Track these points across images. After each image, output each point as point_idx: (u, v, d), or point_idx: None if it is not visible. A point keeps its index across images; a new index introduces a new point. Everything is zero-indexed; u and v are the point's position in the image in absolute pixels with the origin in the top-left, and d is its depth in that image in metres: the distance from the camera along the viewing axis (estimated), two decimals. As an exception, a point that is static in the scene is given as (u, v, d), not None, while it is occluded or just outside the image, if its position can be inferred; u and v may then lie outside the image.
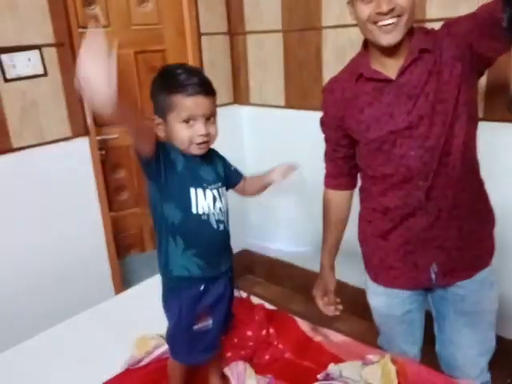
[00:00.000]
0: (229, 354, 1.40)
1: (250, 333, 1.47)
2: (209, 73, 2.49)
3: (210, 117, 1.09)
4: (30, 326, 1.71)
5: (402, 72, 1.18)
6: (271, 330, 1.49)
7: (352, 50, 1.71)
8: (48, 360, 1.48)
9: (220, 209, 1.14)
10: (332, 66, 2.20)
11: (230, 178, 1.25)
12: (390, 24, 1.12)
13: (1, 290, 1.91)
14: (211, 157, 1.19)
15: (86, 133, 2.10)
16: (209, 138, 1.09)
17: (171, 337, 1.18)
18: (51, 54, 1.93)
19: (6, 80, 1.82)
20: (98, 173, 2.18)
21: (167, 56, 2.48)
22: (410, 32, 1.18)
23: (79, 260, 2.15)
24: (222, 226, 1.14)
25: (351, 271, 1.76)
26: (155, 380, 1.32)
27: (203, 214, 1.10)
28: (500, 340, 1.47)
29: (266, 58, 2.50)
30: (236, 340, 1.44)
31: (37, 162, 1.97)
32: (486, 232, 1.32)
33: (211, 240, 1.13)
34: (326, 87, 1.34)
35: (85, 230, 2.17)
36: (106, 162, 2.45)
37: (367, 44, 1.24)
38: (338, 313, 1.43)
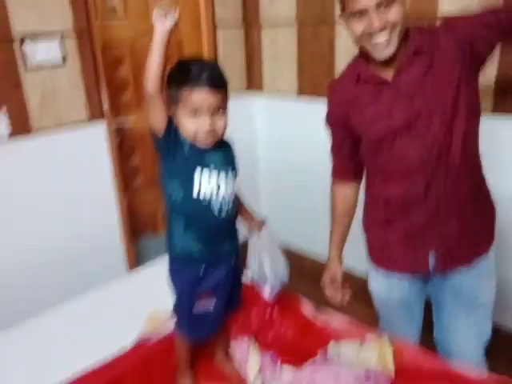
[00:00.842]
0: (234, 332, 1.47)
1: (254, 312, 1.54)
2: (223, 64, 2.58)
3: (219, 109, 1.12)
4: (47, 299, 1.80)
5: (397, 73, 1.22)
6: (275, 311, 1.56)
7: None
8: (62, 333, 1.56)
9: (223, 196, 1.17)
10: (344, 61, 2.25)
11: None
12: (382, 41, 1.16)
13: (22, 264, 2.00)
14: (223, 146, 1.23)
15: (103, 116, 2.18)
16: (214, 131, 1.12)
17: (175, 312, 1.26)
18: (71, 43, 2.01)
19: (28, 68, 1.90)
20: (114, 154, 2.27)
21: (183, 47, 2.53)
22: (406, 34, 1.22)
23: (95, 239, 2.25)
24: (223, 214, 1.17)
25: (357, 260, 1.82)
26: (164, 354, 1.40)
27: (204, 199, 1.14)
28: (498, 329, 1.52)
29: (279, 51, 2.54)
30: (241, 318, 1.51)
31: (55, 145, 2.05)
32: (485, 221, 1.36)
33: (211, 225, 1.17)
34: (329, 88, 1.39)
35: (101, 210, 2.27)
36: (122, 147, 2.53)
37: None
38: (345, 302, 1.49)
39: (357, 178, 1.46)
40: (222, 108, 1.13)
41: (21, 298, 1.96)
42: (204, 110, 1.10)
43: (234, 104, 2.77)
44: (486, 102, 1.84)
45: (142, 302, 1.61)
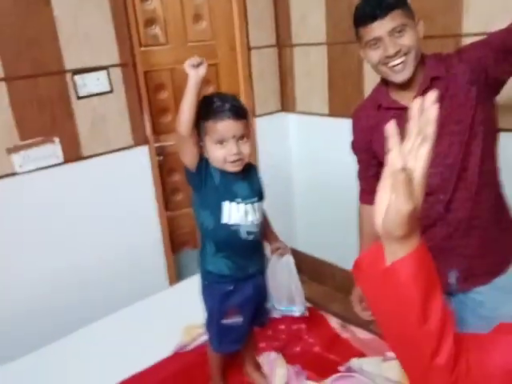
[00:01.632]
0: (263, 345, 1.58)
1: (282, 326, 1.64)
2: (258, 83, 2.69)
3: (243, 137, 1.25)
4: (98, 312, 1.96)
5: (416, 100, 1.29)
6: (303, 325, 1.65)
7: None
8: (106, 343, 1.72)
9: (252, 222, 1.30)
10: (373, 78, 2.31)
11: None
12: (399, 64, 1.24)
13: (73, 279, 2.19)
14: (249, 173, 1.35)
15: (146, 142, 2.35)
16: (241, 156, 1.25)
17: (206, 326, 1.38)
18: (117, 73, 2.18)
19: (79, 97, 2.09)
20: (155, 176, 2.43)
21: (219, 69, 2.68)
22: (422, 61, 1.29)
23: (138, 255, 2.41)
24: (251, 237, 1.30)
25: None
26: (198, 364, 1.52)
27: (233, 224, 1.27)
28: None
29: (311, 69, 2.63)
30: (270, 332, 1.62)
31: (103, 168, 2.23)
32: (505, 239, 1.40)
33: (239, 247, 1.30)
34: (354, 115, 1.48)
35: (144, 227, 2.43)
36: (163, 166, 2.69)
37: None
38: (371, 318, 1.56)
39: None
40: (245, 135, 1.26)
41: (73, 310, 2.14)
42: (229, 137, 1.22)
43: (269, 123, 2.88)
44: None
45: (181, 315, 1.75)
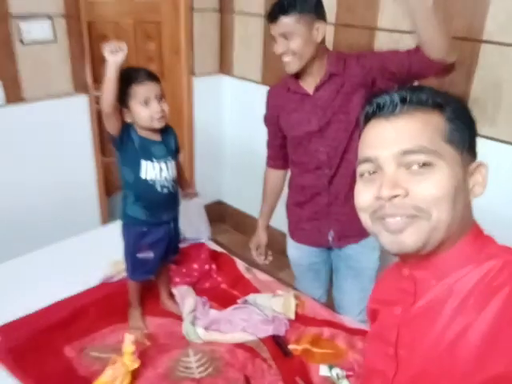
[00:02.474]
0: (177, 280, 1.87)
1: (195, 265, 1.93)
2: (198, 44, 2.86)
3: (161, 98, 1.48)
4: (29, 244, 2.16)
5: (316, 89, 1.58)
6: (213, 266, 1.96)
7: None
8: (41, 273, 1.93)
9: (165, 177, 1.55)
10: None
11: None
12: (287, 60, 1.52)
13: (9, 211, 2.36)
14: (167, 135, 1.59)
15: (86, 90, 2.49)
16: (164, 113, 1.48)
17: (124, 258, 1.66)
18: (61, 23, 2.29)
19: (23, 43, 2.19)
20: (93, 123, 2.59)
21: (162, 27, 2.82)
22: (324, 56, 1.56)
23: (74, 196, 2.60)
24: (165, 190, 1.56)
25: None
26: (121, 292, 1.79)
27: (150, 180, 1.52)
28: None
29: (249, 38, 2.84)
30: (184, 270, 1.91)
31: (44, 112, 2.37)
32: None
33: (155, 199, 1.56)
34: (268, 92, 1.75)
35: (80, 171, 2.61)
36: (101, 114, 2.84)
37: None
38: (267, 262, 1.91)
39: (285, 167, 1.84)
40: (163, 97, 1.50)
41: (10, 240, 2.32)
42: (152, 97, 1.46)
43: (207, 83, 3.09)
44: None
45: (109, 251, 1.98)
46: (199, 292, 1.85)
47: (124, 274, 1.85)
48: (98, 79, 2.67)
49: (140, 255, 1.62)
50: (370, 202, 0.76)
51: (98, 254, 2.01)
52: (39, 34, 2.22)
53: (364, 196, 0.77)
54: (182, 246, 1.90)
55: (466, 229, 0.75)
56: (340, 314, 1.77)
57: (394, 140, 0.73)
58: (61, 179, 2.52)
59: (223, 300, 1.82)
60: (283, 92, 1.67)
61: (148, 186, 1.53)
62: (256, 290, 1.86)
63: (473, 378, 0.67)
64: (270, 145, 1.84)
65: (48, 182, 2.48)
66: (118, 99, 1.43)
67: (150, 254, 1.62)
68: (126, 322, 1.70)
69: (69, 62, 2.37)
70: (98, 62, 2.72)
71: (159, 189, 1.54)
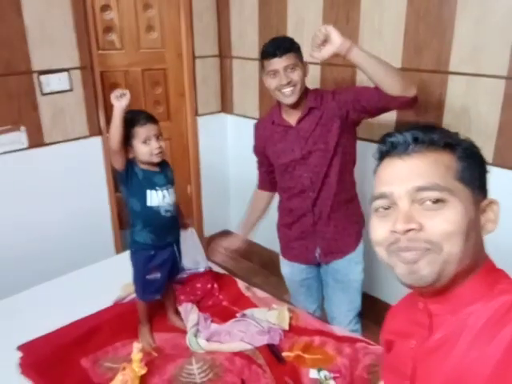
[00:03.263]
0: (182, 298, 2.05)
1: (198, 285, 2.12)
2: (201, 87, 3.12)
3: (159, 136, 1.70)
4: (50, 272, 2.37)
5: (298, 122, 1.80)
6: (215, 285, 2.15)
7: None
8: (60, 297, 2.13)
9: (168, 203, 1.76)
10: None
11: None
12: (288, 91, 1.74)
13: (33, 244, 2.59)
14: (164, 167, 1.81)
15: (100, 132, 2.76)
16: (162, 149, 1.71)
17: (134, 281, 1.85)
18: (76, 74, 2.58)
19: (43, 94, 2.48)
20: (107, 162, 2.84)
21: (167, 73, 3.11)
22: (306, 93, 1.79)
23: (90, 230, 2.83)
24: (168, 214, 1.77)
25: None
26: (131, 311, 1.97)
27: (155, 206, 1.73)
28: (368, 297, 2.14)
29: (246, 79, 3.10)
30: (188, 289, 2.09)
31: (62, 154, 2.63)
32: (354, 229, 1.94)
33: (160, 223, 1.76)
34: (256, 125, 1.98)
35: (96, 206, 2.85)
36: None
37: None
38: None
39: (270, 189, 2.05)
40: (160, 135, 1.72)
41: (25, 268, 2.54)
42: (151, 136, 1.68)
43: (210, 122, 3.33)
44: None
45: (122, 276, 2.19)
46: (202, 309, 2.02)
47: (134, 295, 2.04)
48: (110, 123, 2.96)
49: (149, 277, 1.82)
50: (385, 236, 0.78)
51: (112, 279, 2.21)
52: (57, 85, 2.51)
53: (379, 230, 0.80)
54: (182, 276, 2.11)
55: (479, 264, 0.78)
56: (331, 324, 1.93)
57: (407, 177, 0.76)
58: (78, 214, 2.76)
59: (224, 315, 1.99)
60: (268, 125, 1.90)
61: (154, 212, 1.74)
62: (254, 306, 2.03)
63: None
64: (259, 171, 2.06)
65: (67, 217, 2.72)
66: (123, 138, 1.67)
67: (157, 275, 1.81)
68: (136, 337, 1.87)
69: (84, 108, 2.65)
70: (111, 108, 3.01)
71: (163, 213, 1.75)
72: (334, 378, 1.62)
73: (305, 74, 1.77)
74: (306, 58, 1.80)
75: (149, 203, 1.73)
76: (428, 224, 0.74)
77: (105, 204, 2.89)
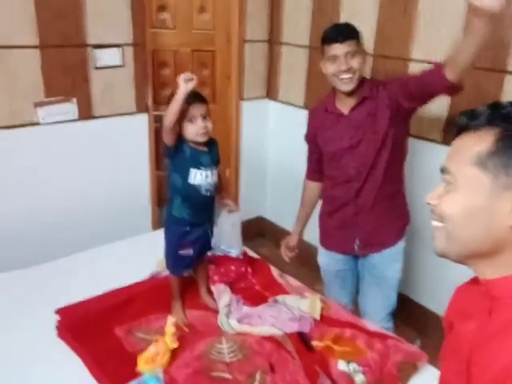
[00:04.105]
0: (216, 278, 2.08)
1: (233, 267, 2.14)
2: (247, 72, 3.11)
3: (206, 116, 1.71)
4: (88, 243, 2.44)
5: (351, 110, 1.78)
6: (249, 269, 2.16)
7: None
8: (97, 267, 2.19)
9: (209, 183, 1.77)
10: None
11: None
12: (347, 78, 1.71)
13: (73, 212, 2.68)
14: (212, 146, 1.82)
15: (147, 110, 2.81)
16: (207, 129, 1.72)
17: (165, 255, 1.89)
18: (129, 50, 2.62)
19: (96, 68, 2.53)
20: (151, 140, 2.89)
21: (216, 56, 3.12)
22: (361, 82, 1.76)
23: (129, 205, 2.89)
24: (208, 193, 1.78)
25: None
26: (166, 285, 2.01)
27: (197, 184, 1.75)
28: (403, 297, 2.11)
29: (294, 66, 3.08)
30: (222, 270, 2.11)
31: (109, 128, 2.69)
32: (396, 224, 1.91)
33: (199, 200, 1.79)
34: (309, 113, 1.97)
35: (137, 182, 2.91)
36: (160, 132, 3.14)
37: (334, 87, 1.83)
38: (288, 260, 2.14)
39: (321, 180, 2.03)
40: (208, 115, 1.73)
41: (73, 237, 2.63)
42: (197, 116, 1.69)
43: (254, 107, 3.31)
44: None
45: (157, 251, 2.23)
46: (235, 291, 2.04)
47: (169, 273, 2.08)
48: (157, 101, 3.00)
49: (181, 252, 1.85)
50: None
51: (149, 254, 2.26)
52: (110, 59, 2.56)
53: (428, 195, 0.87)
54: (216, 255, 2.14)
55: None
56: (363, 318, 1.91)
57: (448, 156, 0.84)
58: (119, 188, 2.82)
59: (256, 300, 2.01)
60: (321, 112, 1.88)
61: (195, 189, 1.76)
62: (287, 293, 2.04)
63: None
64: (308, 159, 2.04)
65: (107, 189, 2.78)
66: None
67: (190, 251, 1.84)
68: (169, 312, 1.90)
69: (133, 84, 2.69)
70: (159, 86, 3.05)
71: (204, 192, 1.77)
72: (363, 372, 1.61)
73: (364, 62, 1.74)
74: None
75: (191, 181, 1.75)
76: (441, 203, 0.82)
77: (145, 180, 2.95)
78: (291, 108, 3.17)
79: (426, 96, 1.66)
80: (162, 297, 1.98)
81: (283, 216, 3.47)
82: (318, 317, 1.86)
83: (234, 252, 2.14)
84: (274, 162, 3.45)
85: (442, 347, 0.96)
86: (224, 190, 2.00)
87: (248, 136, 3.29)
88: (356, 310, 2.10)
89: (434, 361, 1.56)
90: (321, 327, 1.83)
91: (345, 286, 2.07)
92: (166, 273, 2.11)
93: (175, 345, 1.64)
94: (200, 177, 1.75)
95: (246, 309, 1.92)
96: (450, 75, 1.48)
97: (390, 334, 1.81)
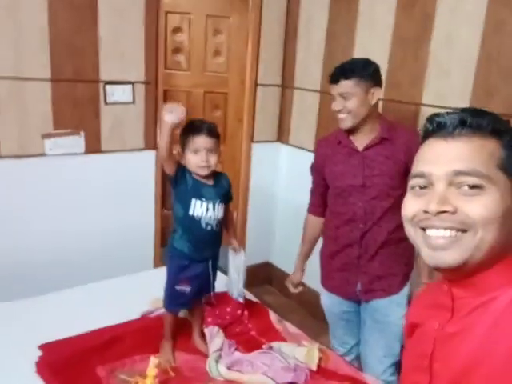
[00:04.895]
0: (209, 320, 1.96)
1: (228, 309, 2.02)
2: (259, 115, 3.11)
3: (211, 151, 1.67)
4: (83, 280, 2.36)
5: (366, 148, 1.72)
6: (245, 312, 2.04)
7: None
8: (89, 303, 2.10)
9: (210, 216, 1.71)
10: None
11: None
12: (342, 116, 1.68)
13: (74, 250, 2.63)
14: (219, 180, 1.78)
15: (155, 147, 2.80)
16: (208, 163, 1.67)
17: (164, 289, 1.79)
18: (140, 88, 2.66)
19: (106, 103, 2.56)
20: (158, 177, 2.87)
21: (228, 98, 3.15)
22: (376, 120, 1.71)
23: (133, 243, 2.83)
24: (209, 227, 1.72)
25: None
26: (156, 325, 1.91)
27: (196, 216, 1.69)
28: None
29: (305, 110, 3.07)
30: (217, 312, 2.00)
31: (116, 163, 2.68)
32: (401, 270, 1.79)
33: (199, 234, 1.72)
34: (318, 142, 1.92)
35: (141, 221, 2.86)
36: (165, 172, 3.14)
37: None
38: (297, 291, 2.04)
39: (324, 214, 1.94)
40: (213, 150, 1.68)
41: (73, 270, 2.56)
42: (201, 148, 1.65)
43: (264, 150, 3.28)
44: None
45: (156, 290, 2.14)
46: (229, 335, 1.92)
47: (162, 311, 1.98)
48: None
49: (178, 287, 1.76)
50: (416, 214, 0.78)
51: (143, 293, 2.17)
52: (121, 96, 2.59)
53: (412, 207, 0.79)
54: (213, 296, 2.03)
55: (508, 251, 0.77)
56: (364, 371, 1.76)
57: (448, 159, 0.75)
58: (122, 224, 2.78)
59: (250, 345, 1.88)
60: (333, 144, 1.83)
61: (194, 221, 1.70)
62: (284, 340, 1.91)
63: None
64: (312, 192, 1.97)
65: (111, 225, 2.74)
66: (180, 145, 1.69)
67: (187, 288, 1.75)
68: (156, 352, 1.80)
69: (143, 121, 2.71)
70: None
71: (203, 225, 1.71)
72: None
73: (366, 101, 1.69)
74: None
75: (191, 212, 1.69)
76: (464, 208, 0.73)
77: (150, 218, 2.90)
78: (302, 152, 3.13)
79: None
80: (150, 337, 1.88)
81: (291, 262, 3.34)
82: (314, 367, 1.72)
83: (236, 294, 2.02)
84: (284, 206, 3.38)
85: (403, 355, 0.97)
86: (231, 228, 1.93)
87: (258, 179, 3.25)
88: (360, 360, 1.95)
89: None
90: (317, 379, 1.69)
91: (350, 328, 1.94)
92: (158, 312, 2.02)
93: (156, 388, 1.52)
94: (200, 208, 1.70)
95: (238, 354, 1.80)
96: None
97: (393, 390, 1.65)
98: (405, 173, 1.66)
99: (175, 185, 1.71)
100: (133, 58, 2.60)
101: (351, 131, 1.73)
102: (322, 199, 1.93)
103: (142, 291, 2.19)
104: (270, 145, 3.27)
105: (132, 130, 2.69)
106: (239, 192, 3.26)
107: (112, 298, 2.15)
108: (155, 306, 2.06)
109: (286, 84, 3.17)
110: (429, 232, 0.76)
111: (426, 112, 2.34)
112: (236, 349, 1.84)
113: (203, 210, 1.70)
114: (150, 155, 2.79)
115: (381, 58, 2.52)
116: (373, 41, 2.59)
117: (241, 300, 2.01)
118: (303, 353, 1.77)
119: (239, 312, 2.04)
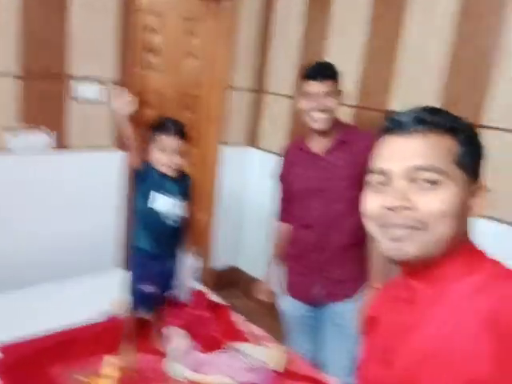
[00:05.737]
0: (169, 319, 1.93)
1: (189, 309, 1.99)
2: (232, 118, 3.10)
3: (178, 151, 1.67)
4: (45, 279, 2.30)
5: (326, 152, 1.73)
6: (207, 313, 2.01)
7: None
8: (49, 303, 2.05)
9: (170, 211, 1.70)
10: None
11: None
12: (321, 117, 1.68)
13: (36, 244, 2.55)
14: (183, 180, 1.76)
15: (123, 147, 2.75)
16: (172, 164, 1.67)
17: (127, 288, 1.76)
18: (109, 86, 2.62)
19: (74, 100, 2.51)
20: (124, 178, 2.82)
21: (201, 100, 3.13)
22: (337, 124, 1.73)
23: (99, 242, 2.78)
24: (169, 222, 1.70)
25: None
26: (118, 327, 1.85)
27: (156, 209, 1.68)
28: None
29: (276, 115, 3.09)
30: (177, 311, 1.97)
31: (83, 160, 2.63)
32: (361, 274, 1.80)
33: (159, 228, 1.70)
34: (284, 149, 1.92)
35: (109, 219, 2.80)
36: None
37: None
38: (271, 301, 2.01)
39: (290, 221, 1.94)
40: (180, 151, 1.68)
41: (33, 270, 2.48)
42: (168, 149, 1.64)
43: (235, 153, 3.28)
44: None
45: (115, 292, 2.08)
46: (189, 335, 1.89)
47: (123, 311, 1.94)
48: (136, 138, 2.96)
49: (141, 287, 1.73)
50: (376, 210, 0.80)
51: (106, 292, 2.12)
52: (89, 93, 2.54)
53: (371, 204, 0.81)
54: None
55: (463, 244, 0.80)
56: (322, 372, 1.76)
57: (406, 156, 0.77)
58: (88, 225, 2.72)
59: (211, 345, 1.85)
60: (296, 150, 1.84)
61: (154, 215, 1.69)
62: (247, 341, 1.89)
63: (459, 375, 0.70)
64: (281, 200, 1.96)
65: (77, 226, 2.68)
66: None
67: (150, 287, 1.72)
68: (113, 353, 1.75)
69: (111, 120, 2.67)
70: (138, 125, 3.02)
71: (163, 219, 1.69)
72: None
73: (339, 103, 1.72)
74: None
75: (151, 205, 1.68)
76: (421, 202, 0.75)
77: (117, 218, 2.85)
78: (273, 156, 3.13)
79: None
80: (111, 339, 1.83)
81: (258, 267, 3.33)
82: (277, 368, 1.71)
83: (182, 296, 1.99)
84: (253, 211, 3.38)
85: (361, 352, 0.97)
86: (189, 228, 1.91)
87: (228, 182, 3.24)
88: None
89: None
90: (279, 380, 1.67)
91: (308, 332, 1.93)
92: (119, 312, 1.97)
93: (111, 388, 1.48)
94: (159, 201, 1.68)
95: (197, 355, 1.76)
96: None
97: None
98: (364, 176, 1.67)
99: (140, 178, 1.70)
100: (103, 55, 2.57)
101: (321, 133, 1.74)
102: (288, 206, 1.93)
103: (104, 291, 2.13)
104: (241, 148, 3.26)
105: (100, 127, 2.65)
106: (209, 194, 3.24)
107: (73, 297, 2.10)
108: (115, 308, 2.01)
109: (260, 88, 3.18)
110: (390, 229, 0.78)
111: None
112: (197, 349, 1.81)
113: (164, 203, 1.70)
114: (117, 154, 2.75)
115: (352, 65, 2.57)
116: (345, 49, 2.63)
117: (185, 301, 2.00)
118: (268, 354, 1.76)
119: (201, 312, 2.01)
